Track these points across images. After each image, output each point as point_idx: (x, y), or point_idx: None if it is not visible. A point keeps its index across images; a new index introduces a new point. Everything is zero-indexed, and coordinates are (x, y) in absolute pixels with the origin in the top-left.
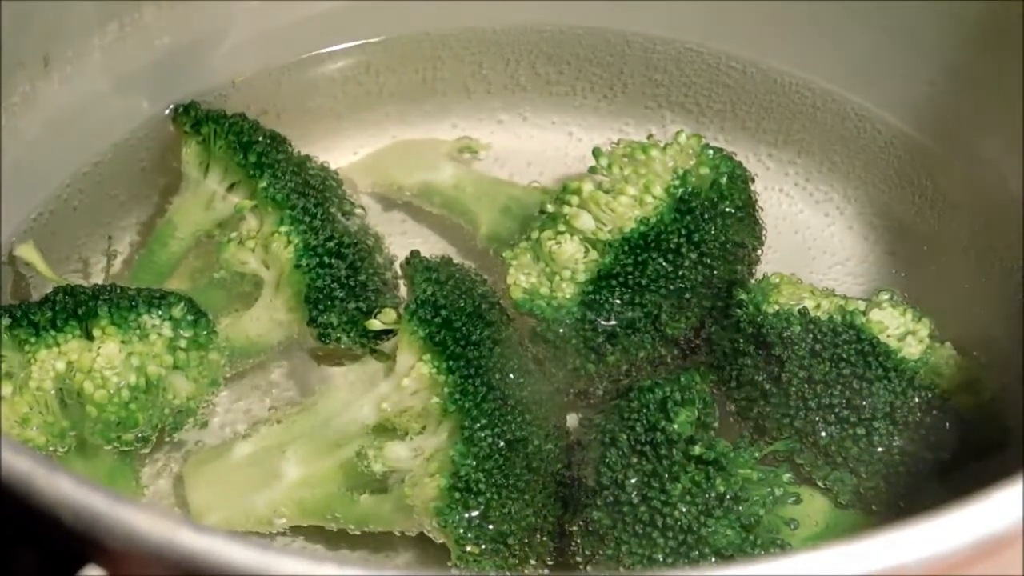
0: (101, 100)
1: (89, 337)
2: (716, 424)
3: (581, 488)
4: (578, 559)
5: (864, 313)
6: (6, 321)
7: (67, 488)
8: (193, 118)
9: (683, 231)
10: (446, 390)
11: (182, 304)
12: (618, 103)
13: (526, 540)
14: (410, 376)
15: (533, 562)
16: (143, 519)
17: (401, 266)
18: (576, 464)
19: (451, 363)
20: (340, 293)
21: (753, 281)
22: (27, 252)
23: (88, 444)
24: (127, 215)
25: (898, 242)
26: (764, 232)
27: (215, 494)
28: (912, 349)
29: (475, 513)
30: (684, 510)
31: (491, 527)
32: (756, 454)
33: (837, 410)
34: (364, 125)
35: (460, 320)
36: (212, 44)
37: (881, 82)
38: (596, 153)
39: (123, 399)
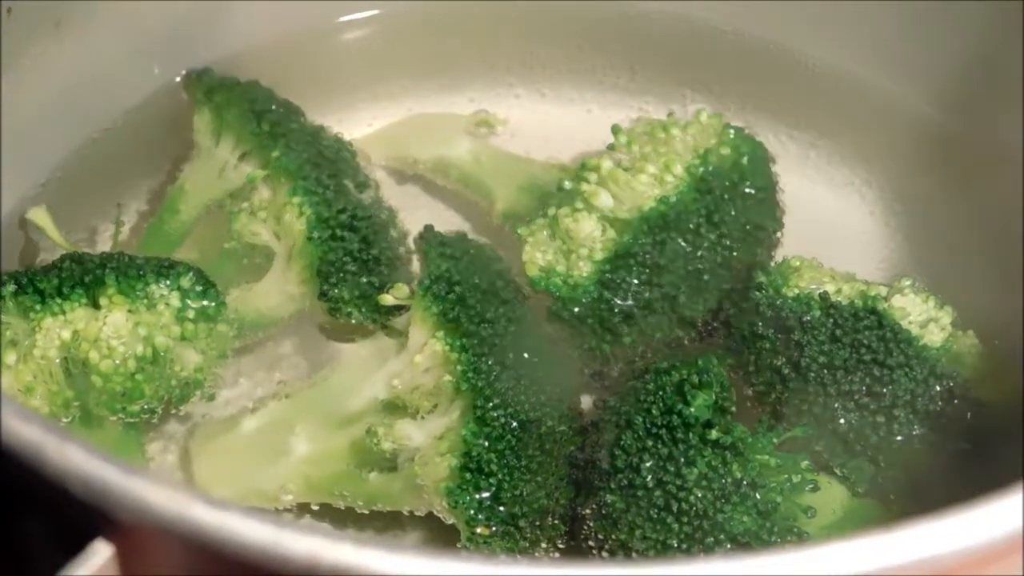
0: (113, 65)
1: (96, 306)
2: (733, 408)
3: (595, 471)
4: (590, 543)
5: (886, 299)
6: (11, 288)
7: (77, 458)
8: (206, 85)
9: (703, 211)
10: (459, 368)
11: (191, 274)
12: (638, 81)
13: (537, 523)
14: (422, 353)
15: (544, 545)
16: (155, 491)
17: (415, 241)
18: (590, 446)
19: (465, 340)
20: (352, 267)
21: (773, 264)
22: (39, 216)
23: (93, 415)
24: (137, 183)
25: (920, 228)
26: (784, 215)
27: (221, 469)
28: (934, 337)
29: (486, 494)
30: (700, 495)
31: (502, 509)
32: (774, 440)
33: (857, 397)
34: (380, 97)
35: (475, 297)
36: (226, 11)
37: (907, 65)
38: (616, 130)
39: (129, 370)
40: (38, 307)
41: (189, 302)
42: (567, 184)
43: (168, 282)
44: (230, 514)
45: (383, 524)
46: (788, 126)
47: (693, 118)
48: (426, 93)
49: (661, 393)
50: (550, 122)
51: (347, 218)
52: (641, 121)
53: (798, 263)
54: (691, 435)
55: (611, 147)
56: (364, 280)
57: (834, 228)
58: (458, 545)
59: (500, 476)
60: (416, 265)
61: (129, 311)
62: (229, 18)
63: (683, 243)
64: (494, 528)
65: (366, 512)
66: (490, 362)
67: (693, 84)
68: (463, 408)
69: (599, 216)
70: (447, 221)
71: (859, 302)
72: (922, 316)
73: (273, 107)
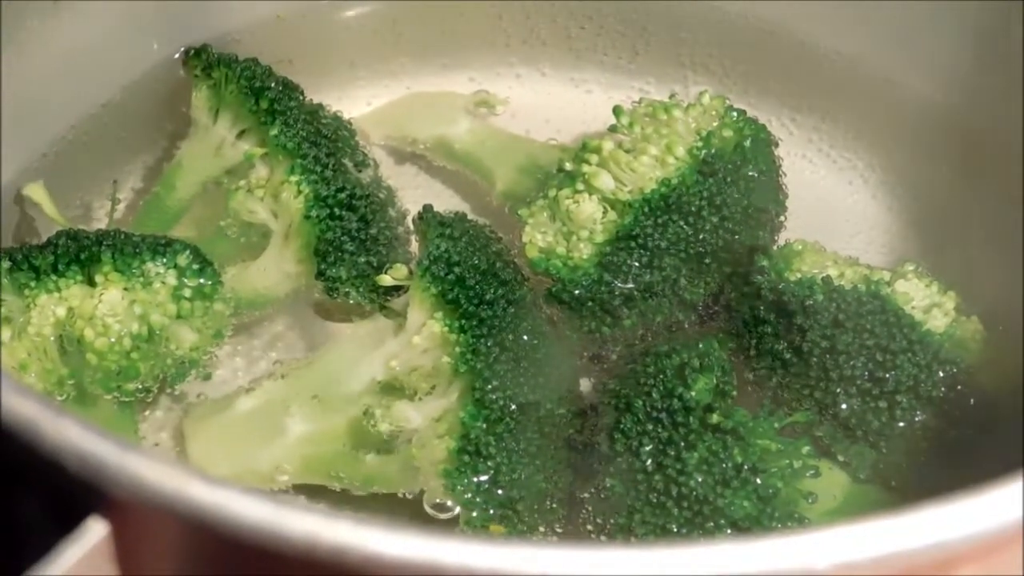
0: (110, 41)
1: (91, 283)
2: (734, 393)
3: (594, 454)
4: (589, 527)
5: (889, 283)
6: (6, 264)
7: (73, 434)
8: (204, 61)
9: (705, 194)
10: (457, 349)
11: (187, 252)
12: (640, 61)
13: (536, 506)
14: (421, 334)
15: (542, 529)
16: (152, 469)
17: (414, 221)
18: (589, 429)
19: (463, 322)
20: (350, 246)
21: (775, 247)
22: (35, 192)
23: (87, 393)
24: (133, 159)
25: (922, 213)
26: (786, 198)
27: (216, 449)
28: (938, 322)
29: (484, 477)
30: (700, 480)
31: (500, 492)
32: (775, 424)
33: (859, 382)
34: (379, 75)
35: (474, 278)
36: None
37: (911, 49)
38: (617, 111)
39: (124, 348)
40: (33, 284)
41: (185, 280)
42: (568, 165)
43: (164, 260)
44: (228, 492)
45: (379, 506)
46: (791, 109)
47: (695, 100)
48: (426, 72)
49: (661, 376)
50: (551, 102)
51: (345, 197)
52: (643, 102)
53: (800, 247)
54: (691, 419)
55: (613, 128)
56: (362, 260)
57: (837, 212)
58: (455, 528)
59: (498, 459)
60: (415, 245)
61: (125, 289)
62: None
63: (684, 226)
64: (492, 512)
65: (362, 495)
66: (489, 344)
67: (696, 66)
68: (461, 390)
69: (600, 198)
70: (446, 201)
71: (862, 286)
72: (925, 301)
73: (272, 85)
